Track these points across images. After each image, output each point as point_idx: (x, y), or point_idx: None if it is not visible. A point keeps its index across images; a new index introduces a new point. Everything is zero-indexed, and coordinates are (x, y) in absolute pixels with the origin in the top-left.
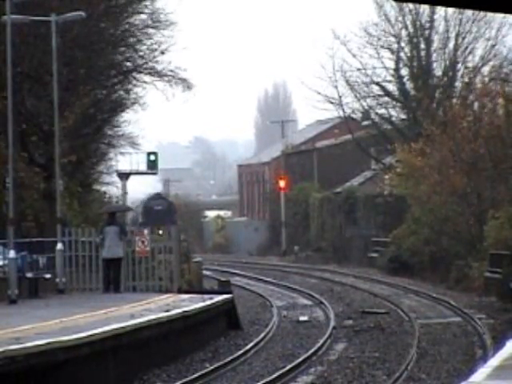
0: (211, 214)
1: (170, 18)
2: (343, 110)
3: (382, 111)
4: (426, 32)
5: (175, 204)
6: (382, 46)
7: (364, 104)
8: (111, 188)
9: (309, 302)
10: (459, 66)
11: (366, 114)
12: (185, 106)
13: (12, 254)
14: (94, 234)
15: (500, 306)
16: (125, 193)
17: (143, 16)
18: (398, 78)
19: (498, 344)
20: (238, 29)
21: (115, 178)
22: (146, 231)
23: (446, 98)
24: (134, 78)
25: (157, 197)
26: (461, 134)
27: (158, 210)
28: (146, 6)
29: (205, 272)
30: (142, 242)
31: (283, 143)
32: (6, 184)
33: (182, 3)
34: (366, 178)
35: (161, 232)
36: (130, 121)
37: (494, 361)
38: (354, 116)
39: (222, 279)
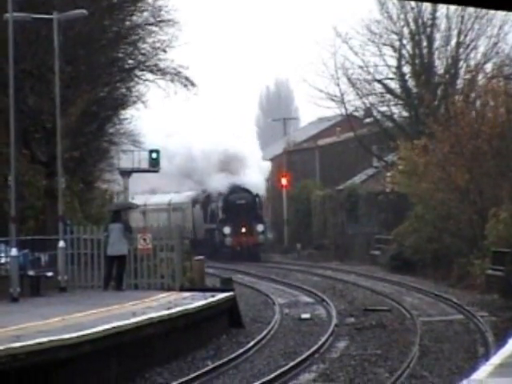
0: None
1: (173, 16)
2: (345, 107)
3: (383, 109)
4: (428, 29)
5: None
6: (384, 44)
7: (366, 102)
8: (113, 185)
9: (311, 300)
10: (461, 63)
11: (367, 112)
12: (187, 103)
13: (14, 251)
14: (96, 232)
15: (502, 304)
16: (125, 189)
17: (145, 14)
18: (400, 76)
19: (500, 342)
20: (239, 26)
21: (117, 176)
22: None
23: (448, 95)
24: (136, 75)
25: (239, 189)
26: (463, 131)
27: (241, 205)
28: (148, 4)
29: (207, 270)
30: (144, 239)
31: (285, 141)
32: (7, 182)
33: (185, 1)
34: (367, 176)
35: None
36: (132, 118)
37: (496, 358)
38: (355, 114)
39: (224, 277)
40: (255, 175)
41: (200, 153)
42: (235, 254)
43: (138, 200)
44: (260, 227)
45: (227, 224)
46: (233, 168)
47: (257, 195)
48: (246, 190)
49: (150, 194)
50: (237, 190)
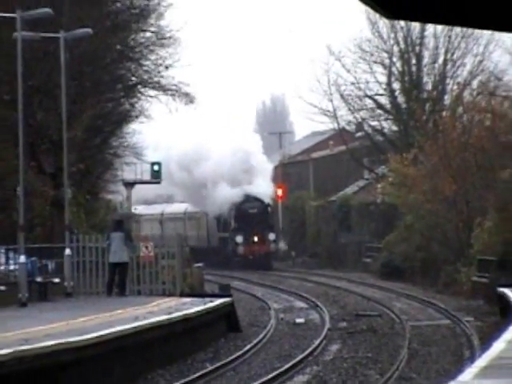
0: None
1: (174, 35)
2: (338, 122)
3: (374, 123)
4: (417, 48)
5: (272, 206)
6: (375, 62)
7: (357, 116)
8: (116, 196)
9: (305, 305)
10: (448, 80)
11: (359, 126)
12: (187, 117)
13: (22, 259)
14: (100, 240)
15: (487, 309)
16: (128, 198)
17: (148, 33)
18: (390, 92)
19: (485, 345)
20: (237, 44)
21: (121, 187)
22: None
23: (436, 110)
24: (139, 91)
25: (251, 199)
26: (450, 144)
27: (253, 214)
28: (151, 25)
29: (206, 276)
30: (146, 247)
31: (280, 154)
32: (16, 192)
33: (185, 20)
34: (359, 187)
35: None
36: (135, 132)
37: (481, 361)
38: (348, 128)
39: (223, 283)
40: (265, 184)
41: (211, 163)
42: (247, 262)
43: (155, 209)
44: (272, 236)
45: (239, 233)
46: (243, 177)
47: (268, 204)
48: (258, 199)
49: (166, 203)
50: (249, 199)
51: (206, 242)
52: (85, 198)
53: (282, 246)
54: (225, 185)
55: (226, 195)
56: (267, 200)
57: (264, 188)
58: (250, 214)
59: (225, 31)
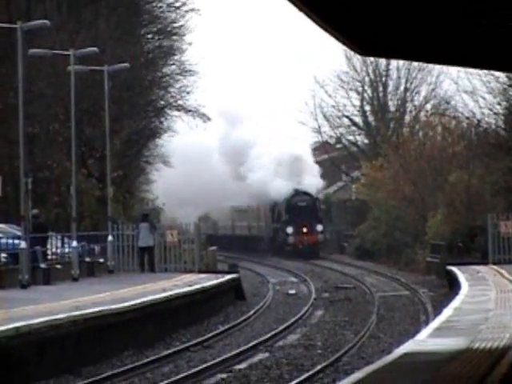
0: None
1: (194, 67)
2: (321, 136)
3: (350, 137)
4: (383, 78)
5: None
6: (351, 89)
7: (337, 132)
8: (148, 194)
9: (296, 280)
10: (408, 103)
11: (338, 140)
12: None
13: (74, 243)
14: (135, 230)
15: (438, 283)
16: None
17: (173, 66)
18: (363, 113)
19: (437, 311)
20: (237, 69)
21: (152, 186)
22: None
23: (398, 127)
24: (166, 112)
25: (301, 193)
26: (409, 154)
27: (302, 207)
28: (175, 60)
29: (218, 257)
30: (171, 234)
31: None
32: (70, 192)
33: (204, 57)
34: (338, 187)
35: None
36: (163, 144)
37: (434, 324)
38: (329, 141)
39: (232, 263)
40: (314, 180)
41: (264, 161)
42: (297, 251)
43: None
44: (319, 227)
45: (290, 224)
46: (293, 172)
47: (317, 198)
48: (307, 194)
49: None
50: (299, 193)
51: (263, 231)
52: (123, 196)
53: None
54: (278, 180)
55: (279, 190)
56: (316, 194)
57: (313, 183)
58: (299, 207)
59: (236, 59)
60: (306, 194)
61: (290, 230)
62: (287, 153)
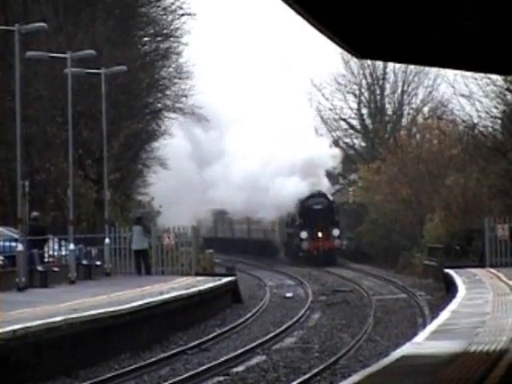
0: None
1: (191, 69)
2: None
3: (347, 140)
4: (380, 81)
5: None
6: (348, 92)
7: (334, 135)
8: (145, 197)
9: (293, 283)
10: (405, 106)
11: (335, 142)
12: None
13: (71, 246)
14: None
15: (435, 286)
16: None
17: (170, 69)
18: (360, 116)
19: (434, 314)
20: (235, 74)
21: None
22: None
23: (395, 130)
24: (163, 115)
25: (316, 195)
26: (407, 157)
27: (318, 210)
28: (172, 62)
29: (216, 260)
30: (169, 237)
31: None
32: (67, 194)
33: (199, 59)
34: (336, 190)
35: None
36: (160, 147)
37: (431, 326)
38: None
39: (229, 265)
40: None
41: (278, 164)
42: (311, 257)
43: None
44: (336, 232)
45: (304, 228)
46: (309, 175)
47: (333, 201)
48: (323, 195)
49: None
50: (313, 195)
51: (277, 236)
52: (120, 199)
53: None
54: (292, 182)
55: (292, 192)
56: (331, 197)
57: (328, 185)
58: (314, 210)
59: (234, 62)
60: (321, 195)
61: (304, 234)
62: (300, 155)
